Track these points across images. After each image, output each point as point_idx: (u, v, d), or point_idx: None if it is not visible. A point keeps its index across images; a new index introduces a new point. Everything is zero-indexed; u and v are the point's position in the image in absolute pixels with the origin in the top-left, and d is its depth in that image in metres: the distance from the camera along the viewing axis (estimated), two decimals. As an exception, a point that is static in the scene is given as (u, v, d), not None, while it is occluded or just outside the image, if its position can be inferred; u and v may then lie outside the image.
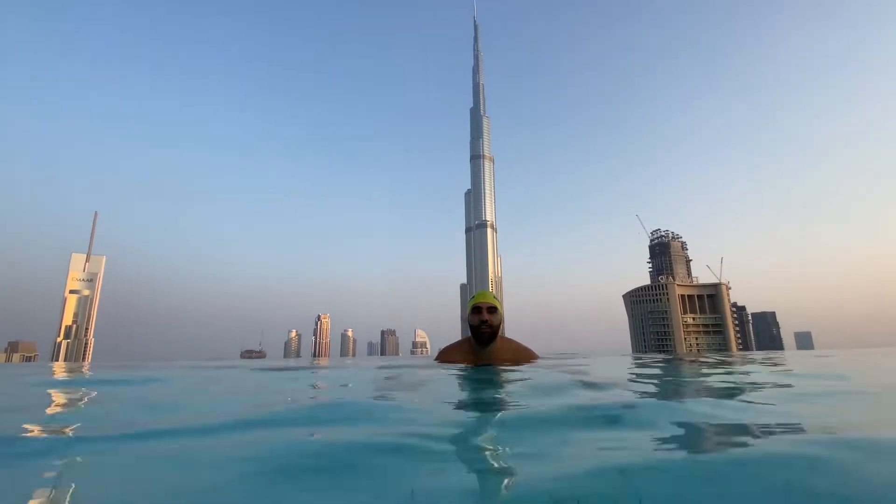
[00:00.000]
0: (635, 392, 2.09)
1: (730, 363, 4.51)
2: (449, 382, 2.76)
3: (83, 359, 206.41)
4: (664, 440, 1.11)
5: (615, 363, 4.83)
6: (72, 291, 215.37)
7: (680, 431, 1.20)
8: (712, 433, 1.19)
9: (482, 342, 4.14)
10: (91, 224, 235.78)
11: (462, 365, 4.02)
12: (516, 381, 2.62)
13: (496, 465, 0.92)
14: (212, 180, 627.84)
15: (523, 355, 4.39)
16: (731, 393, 2.11)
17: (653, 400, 1.86)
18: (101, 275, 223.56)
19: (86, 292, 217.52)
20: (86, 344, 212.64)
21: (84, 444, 1.09)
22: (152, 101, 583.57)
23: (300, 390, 2.50)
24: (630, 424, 1.33)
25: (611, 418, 1.40)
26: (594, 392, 2.11)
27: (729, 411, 1.55)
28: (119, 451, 1.03)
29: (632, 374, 3.33)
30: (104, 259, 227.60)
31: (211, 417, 1.52)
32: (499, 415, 1.57)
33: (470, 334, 4.27)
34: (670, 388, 2.41)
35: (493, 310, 4.13)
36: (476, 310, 4.14)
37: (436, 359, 4.69)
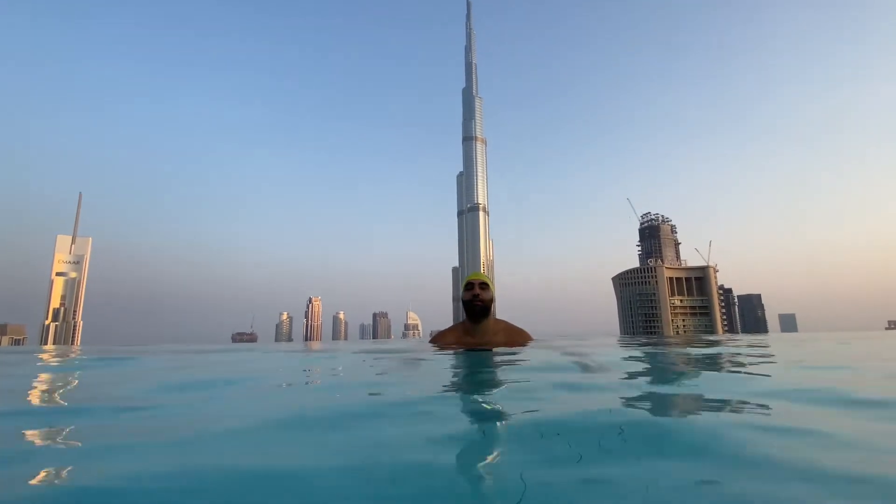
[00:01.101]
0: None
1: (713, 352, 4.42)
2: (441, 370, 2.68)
3: (72, 341, 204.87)
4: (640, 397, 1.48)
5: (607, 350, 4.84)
6: (58, 274, 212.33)
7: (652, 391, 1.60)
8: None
9: (475, 317, 4.43)
10: (76, 206, 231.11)
11: (454, 350, 4.08)
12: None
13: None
14: (202, 163, 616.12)
15: (516, 335, 4.62)
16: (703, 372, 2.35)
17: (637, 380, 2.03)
18: (87, 257, 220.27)
19: (73, 275, 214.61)
20: (74, 326, 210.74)
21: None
22: (139, 83, 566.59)
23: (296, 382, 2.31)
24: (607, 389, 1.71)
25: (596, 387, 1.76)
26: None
27: (699, 386, 1.82)
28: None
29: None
30: (90, 241, 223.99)
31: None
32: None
33: (464, 319, 4.57)
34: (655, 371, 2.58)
35: (484, 286, 4.49)
36: (469, 286, 4.50)
37: (430, 341, 4.85)
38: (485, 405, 1.36)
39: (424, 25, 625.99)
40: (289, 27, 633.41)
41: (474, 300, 4.40)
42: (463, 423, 1.16)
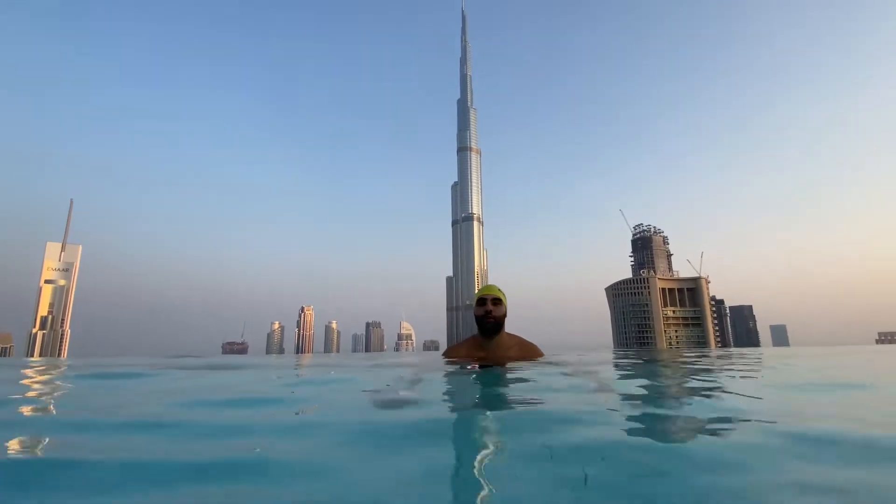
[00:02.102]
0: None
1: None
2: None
3: (59, 350, 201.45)
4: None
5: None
6: (47, 281, 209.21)
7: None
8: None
9: (487, 333, 4.29)
10: (66, 213, 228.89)
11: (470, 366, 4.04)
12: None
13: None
14: (195, 172, 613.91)
15: (529, 350, 4.53)
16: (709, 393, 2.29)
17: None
18: (77, 264, 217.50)
19: (61, 282, 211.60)
20: (62, 335, 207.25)
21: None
22: (132, 90, 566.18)
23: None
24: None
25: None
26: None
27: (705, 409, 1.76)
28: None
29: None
30: (80, 248, 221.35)
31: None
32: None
33: (475, 333, 4.43)
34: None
35: (497, 301, 4.28)
36: (481, 301, 4.29)
37: (443, 355, 4.80)
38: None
39: (420, 37, 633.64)
40: (285, 39, 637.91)
41: (486, 317, 4.22)
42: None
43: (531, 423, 1.44)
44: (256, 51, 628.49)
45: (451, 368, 3.62)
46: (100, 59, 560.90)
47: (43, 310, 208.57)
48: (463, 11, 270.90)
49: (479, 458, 1.03)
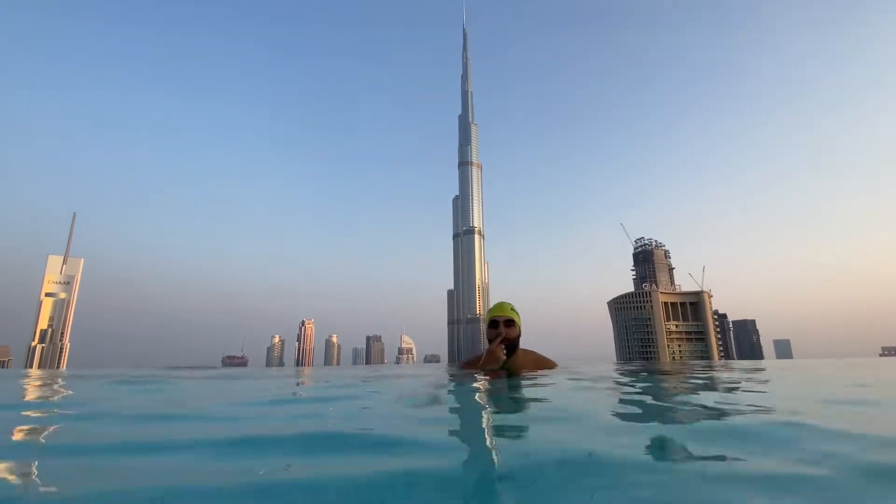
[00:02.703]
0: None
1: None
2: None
3: (58, 364, 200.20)
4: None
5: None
6: (48, 294, 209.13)
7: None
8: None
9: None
10: (69, 225, 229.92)
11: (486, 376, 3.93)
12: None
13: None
14: (198, 184, 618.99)
15: (545, 366, 4.41)
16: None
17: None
18: (78, 277, 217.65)
19: (62, 295, 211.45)
20: (61, 349, 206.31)
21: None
22: (132, 101, 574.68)
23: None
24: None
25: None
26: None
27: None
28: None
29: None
30: (82, 261, 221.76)
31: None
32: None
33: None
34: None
35: (510, 323, 4.05)
36: (493, 324, 4.07)
37: (460, 367, 4.70)
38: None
39: (422, 52, 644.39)
40: (292, 51, 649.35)
41: (500, 341, 3.98)
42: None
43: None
44: (261, 64, 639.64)
45: (468, 379, 3.54)
46: (103, 68, 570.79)
47: (43, 323, 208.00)
48: (464, 29, 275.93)
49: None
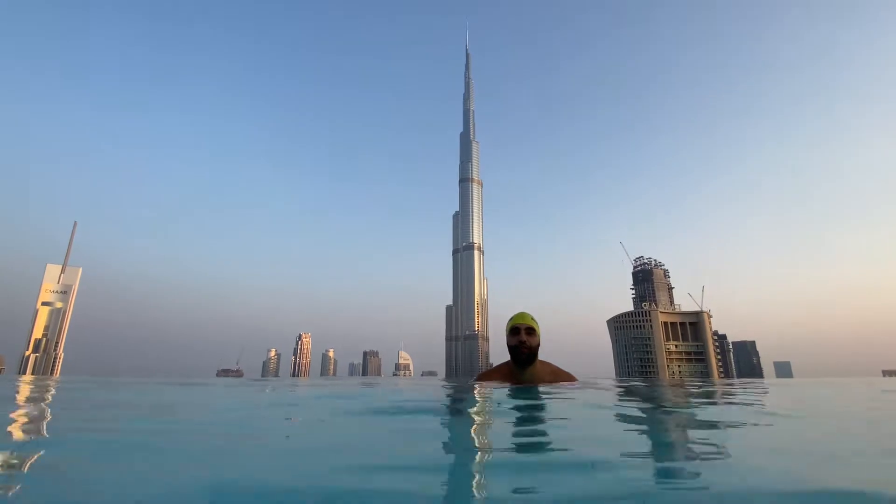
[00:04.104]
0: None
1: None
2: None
3: (51, 373, 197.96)
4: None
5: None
6: (44, 303, 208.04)
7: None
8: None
9: (521, 363, 4.29)
10: (69, 234, 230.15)
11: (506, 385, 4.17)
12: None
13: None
14: (197, 195, 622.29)
15: (563, 378, 4.52)
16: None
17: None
18: (75, 287, 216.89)
19: (59, 305, 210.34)
20: (55, 359, 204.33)
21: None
22: (134, 111, 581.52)
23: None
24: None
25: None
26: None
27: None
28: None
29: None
30: (80, 271, 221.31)
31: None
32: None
33: (507, 361, 4.46)
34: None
35: (531, 331, 4.29)
36: (514, 330, 4.30)
37: (476, 379, 4.84)
38: None
39: (425, 70, 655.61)
40: (292, 60, 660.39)
41: (521, 346, 4.24)
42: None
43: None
44: (261, 78, 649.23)
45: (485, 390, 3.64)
46: (104, 73, 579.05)
47: (38, 332, 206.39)
48: (467, 48, 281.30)
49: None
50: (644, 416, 2.33)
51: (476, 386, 4.13)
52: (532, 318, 4.39)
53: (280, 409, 2.74)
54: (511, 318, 4.43)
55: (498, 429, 1.88)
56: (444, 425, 1.98)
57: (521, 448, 1.48)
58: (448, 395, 3.21)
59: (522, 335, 4.25)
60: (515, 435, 1.73)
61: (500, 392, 3.34)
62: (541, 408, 2.53)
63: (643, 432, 1.83)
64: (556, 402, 2.76)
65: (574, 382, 4.47)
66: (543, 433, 1.82)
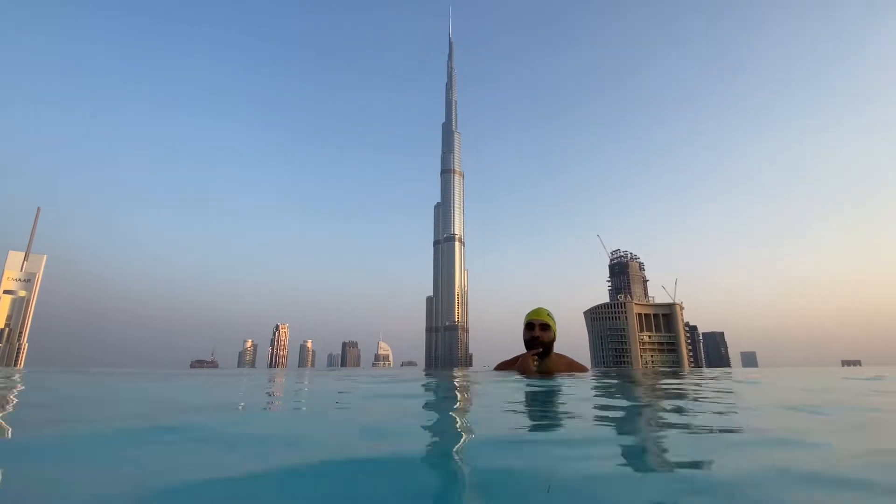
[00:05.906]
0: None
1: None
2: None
3: (15, 364, 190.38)
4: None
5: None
6: (6, 292, 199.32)
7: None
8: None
9: (536, 356, 4.54)
10: (32, 221, 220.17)
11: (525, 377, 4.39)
12: None
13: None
14: (172, 184, 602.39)
15: (576, 368, 4.78)
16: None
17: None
18: (39, 275, 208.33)
19: (22, 293, 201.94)
20: (18, 349, 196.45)
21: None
22: (101, 100, 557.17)
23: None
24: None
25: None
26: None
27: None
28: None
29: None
30: (44, 258, 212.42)
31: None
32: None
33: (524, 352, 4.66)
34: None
35: (545, 327, 4.51)
36: (529, 326, 4.53)
37: (495, 368, 5.02)
38: None
39: (407, 59, 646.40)
40: (276, 55, 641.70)
41: (534, 342, 4.46)
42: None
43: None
44: (239, 74, 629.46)
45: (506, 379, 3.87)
46: (73, 60, 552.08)
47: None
48: (450, 38, 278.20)
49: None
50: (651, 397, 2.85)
51: (494, 375, 4.30)
52: (548, 314, 4.60)
53: (361, 402, 2.54)
54: (528, 314, 4.62)
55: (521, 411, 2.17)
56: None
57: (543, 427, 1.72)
58: (467, 383, 3.52)
59: (536, 331, 4.47)
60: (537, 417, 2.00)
61: (521, 381, 3.62)
62: (559, 392, 2.94)
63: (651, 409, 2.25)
64: (573, 388, 3.15)
65: (586, 372, 4.72)
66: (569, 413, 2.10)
